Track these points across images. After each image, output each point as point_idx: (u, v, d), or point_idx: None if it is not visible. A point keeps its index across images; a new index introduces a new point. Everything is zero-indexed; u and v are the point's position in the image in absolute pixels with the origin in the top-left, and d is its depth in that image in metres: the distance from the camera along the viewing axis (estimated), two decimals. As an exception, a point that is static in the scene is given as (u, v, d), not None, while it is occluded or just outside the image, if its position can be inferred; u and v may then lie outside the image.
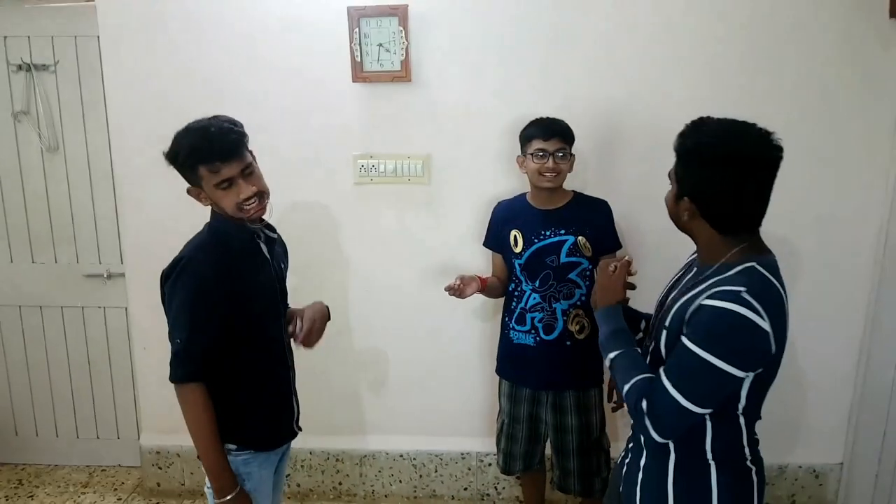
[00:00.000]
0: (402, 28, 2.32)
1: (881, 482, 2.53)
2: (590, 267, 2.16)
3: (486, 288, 2.23)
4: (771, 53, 2.32)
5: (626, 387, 1.36)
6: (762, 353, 1.29)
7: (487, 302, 2.57)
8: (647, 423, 1.31)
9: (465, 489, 2.80)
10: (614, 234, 2.22)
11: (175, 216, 2.45)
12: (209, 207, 1.71)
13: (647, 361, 1.47)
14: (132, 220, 2.65)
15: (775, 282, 1.33)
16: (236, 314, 1.66)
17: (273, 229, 1.84)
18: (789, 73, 2.33)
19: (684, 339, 1.30)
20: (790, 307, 1.37)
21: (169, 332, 1.64)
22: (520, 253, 2.18)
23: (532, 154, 2.11)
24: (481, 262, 2.49)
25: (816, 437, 2.65)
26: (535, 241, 2.16)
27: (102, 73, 2.56)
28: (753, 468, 1.43)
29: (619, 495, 1.56)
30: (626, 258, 1.62)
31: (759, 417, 1.45)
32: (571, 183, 2.22)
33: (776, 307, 1.30)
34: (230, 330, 1.65)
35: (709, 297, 1.28)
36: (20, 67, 2.67)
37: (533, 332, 2.19)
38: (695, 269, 1.46)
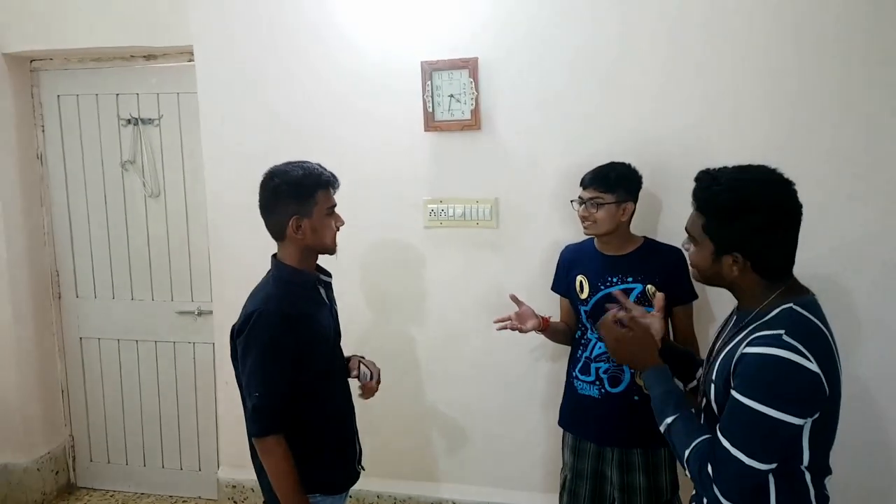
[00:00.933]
0: (472, 80, 2.42)
1: None
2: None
3: (547, 329, 2.20)
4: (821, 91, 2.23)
5: (687, 452, 1.31)
6: (814, 396, 1.24)
7: (559, 349, 2.55)
8: (716, 489, 1.26)
9: (532, 543, 2.73)
10: (687, 283, 2.10)
11: (260, 259, 2.61)
12: (271, 258, 1.80)
13: (702, 420, 1.43)
14: (222, 261, 2.84)
15: (816, 320, 1.30)
16: (306, 361, 1.71)
17: (328, 273, 1.90)
18: (839, 109, 2.23)
19: (734, 393, 1.26)
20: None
21: (245, 387, 1.69)
22: (585, 299, 2.14)
23: (574, 201, 2.15)
24: (549, 306, 2.49)
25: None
26: (602, 287, 2.11)
27: (200, 126, 2.79)
28: None
29: None
30: (618, 312, 1.57)
31: (830, 472, 1.36)
32: (642, 228, 2.20)
33: (821, 347, 1.26)
34: (302, 377, 1.70)
35: (749, 345, 1.26)
36: (129, 122, 2.96)
37: (598, 382, 2.13)
38: (734, 318, 1.43)
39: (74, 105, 3.01)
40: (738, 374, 1.26)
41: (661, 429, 1.39)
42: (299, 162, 1.78)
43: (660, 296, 1.71)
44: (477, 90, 2.43)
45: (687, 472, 1.32)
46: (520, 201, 2.54)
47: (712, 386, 1.35)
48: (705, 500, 1.40)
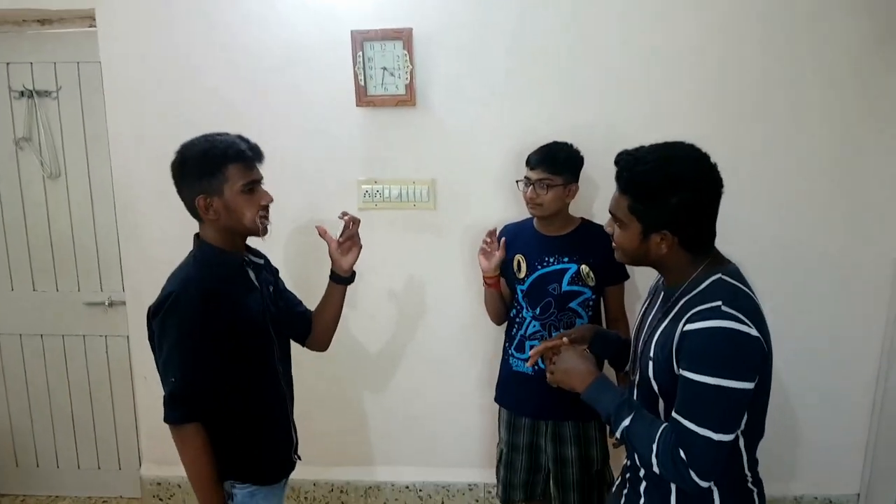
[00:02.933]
0: (406, 52, 2.29)
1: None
2: (592, 297, 2.11)
3: (495, 287, 2.20)
4: (788, 91, 2.29)
5: (654, 447, 1.29)
6: (759, 359, 1.27)
7: (493, 330, 2.51)
8: (692, 473, 1.24)
9: (473, 521, 2.73)
10: (621, 264, 2.12)
11: (177, 244, 2.41)
12: (193, 237, 1.67)
13: (636, 395, 1.43)
14: (133, 247, 2.62)
15: (744, 287, 1.32)
16: (229, 347, 1.60)
17: (259, 254, 1.78)
18: (805, 109, 2.30)
19: (685, 374, 1.25)
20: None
21: (161, 372, 1.58)
22: (522, 279, 2.14)
23: (520, 181, 2.11)
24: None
25: (832, 467, 2.58)
26: (538, 267, 2.12)
27: (105, 99, 2.53)
28: (755, 490, 1.40)
29: None
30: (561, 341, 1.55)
31: (763, 434, 1.40)
32: (579, 209, 2.17)
33: (754, 311, 1.29)
34: (224, 364, 1.60)
35: (689, 322, 1.26)
36: (22, 94, 2.65)
37: None
38: (662, 294, 1.43)
39: (-43, 75, 2.66)
40: (684, 353, 1.26)
41: (618, 434, 1.37)
42: (213, 134, 1.62)
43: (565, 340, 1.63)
44: (412, 63, 2.30)
45: (656, 468, 1.29)
46: (458, 182, 2.45)
47: (650, 363, 1.35)
48: (641, 471, 1.43)
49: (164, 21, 2.42)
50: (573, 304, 2.10)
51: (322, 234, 1.87)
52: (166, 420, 1.58)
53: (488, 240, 2.17)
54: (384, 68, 2.33)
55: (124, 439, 2.92)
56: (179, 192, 1.63)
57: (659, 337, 1.34)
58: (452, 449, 2.70)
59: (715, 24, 2.26)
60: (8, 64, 2.64)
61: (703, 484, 1.25)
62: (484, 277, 2.20)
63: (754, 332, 1.24)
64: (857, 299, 2.43)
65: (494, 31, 2.32)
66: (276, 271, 1.87)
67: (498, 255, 2.15)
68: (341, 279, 1.90)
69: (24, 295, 2.82)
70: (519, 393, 2.20)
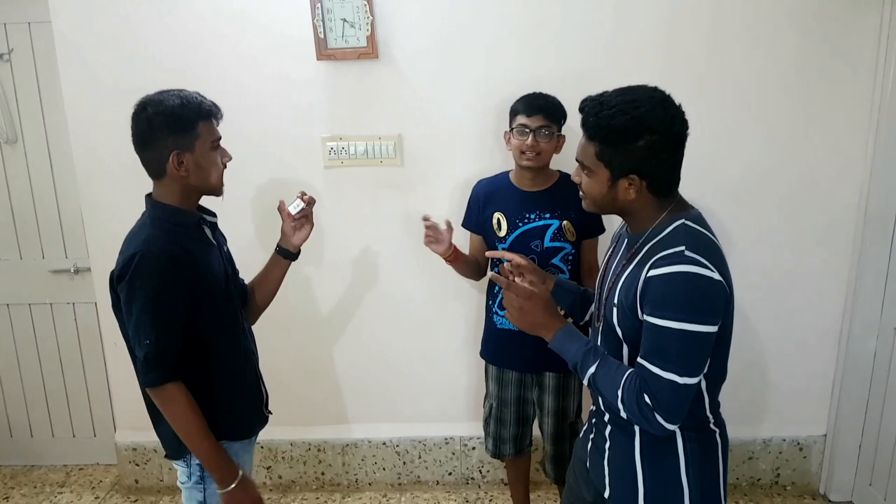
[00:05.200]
0: (366, 2, 2.23)
1: (864, 452, 2.52)
2: (572, 251, 2.09)
3: (457, 261, 2.16)
4: (743, 33, 2.28)
5: (619, 393, 1.30)
6: (722, 302, 1.28)
7: (466, 286, 2.52)
8: (658, 416, 1.26)
9: (450, 474, 2.77)
10: (598, 218, 2.10)
11: (139, 207, 2.38)
12: (145, 199, 1.64)
13: (600, 341, 1.44)
14: (96, 212, 2.56)
15: (706, 233, 1.33)
16: (198, 302, 1.58)
17: (212, 213, 1.76)
18: (762, 51, 2.29)
19: (649, 319, 1.26)
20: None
21: (133, 336, 1.54)
22: (504, 237, 2.10)
23: (515, 129, 2.03)
24: (460, 243, 2.44)
25: (800, 409, 2.64)
26: (520, 224, 2.08)
27: (58, 61, 2.45)
28: (717, 430, 1.42)
29: (586, 470, 1.52)
30: (508, 264, 1.56)
31: (725, 377, 1.42)
32: (558, 162, 2.15)
33: (716, 255, 1.29)
34: (195, 321, 1.58)
35: (653, 268, 1.26)
36: (-28, 57, 2.57)
37: None
38: (626, 241, 1.43)
39: None
40: (648, 299, 1.26)
41: (585, 381, 1.38)
42: (175, 90, 1.58)
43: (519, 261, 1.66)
44: (372, 14, 2.25)
45: (623, 413, 1.31)
46: (425, 137, 2.42)
47: (614, 309, 1.36)
48: (606, 416, 1.45)
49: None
50: (555, 260, 2.08)
51: (280, 207, 1.87)
52: (146, 384, 1.55)
53: (430, 233, 2.09)
54: (344, 20, 2.27)
55: (98, 406, 2.91)
56: (144, 147, 1.58)
57: (623, 283, 1.34)
58: (427, 405, 2.72)
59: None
60: (-45, 26, 2.55)
61: (670, 427, 1.27)
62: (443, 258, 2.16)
63: (717, 275, 1.25)
64: (821, 237, 2.45)
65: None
66: (225, 238, 1.84)
67: (447, 237, 2.09)
68: (288, 254, 1.90)
69: (-13, 264, 2.77)
70: (504, 349, 2.20)
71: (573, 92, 2.05)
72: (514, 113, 2.05)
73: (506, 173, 2.18)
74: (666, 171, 1.33)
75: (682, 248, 1.25)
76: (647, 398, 1.26)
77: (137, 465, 2.80)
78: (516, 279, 1.58)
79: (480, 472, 2.76)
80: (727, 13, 2.26)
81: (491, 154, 2.40)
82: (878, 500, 2.45)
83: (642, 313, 1.28)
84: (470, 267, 2.24)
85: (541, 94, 2.05)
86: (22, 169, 2.67)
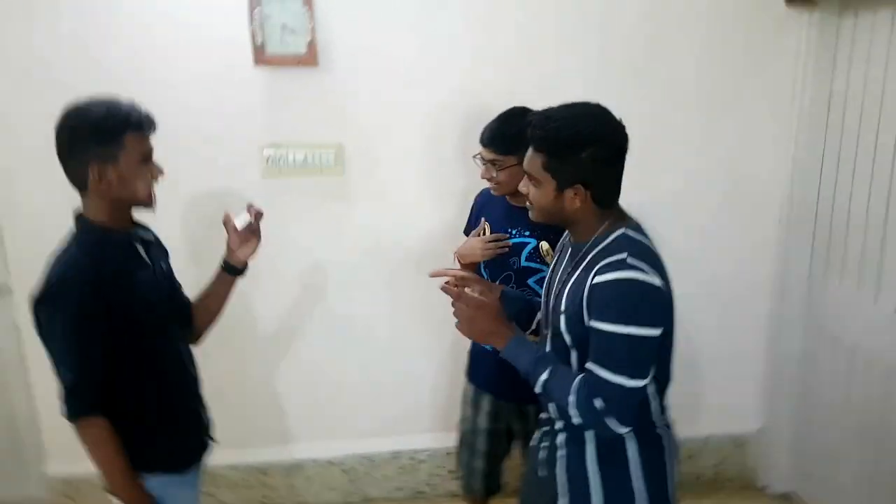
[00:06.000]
0: (307, 8, 2.17)
1: (798, 444, 2.64)
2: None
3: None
4: (673, 40, 2.36)
5: (571, 398, 1.33)
6: (663, 307, 1.36)
7: (410, 299, 2.48)
8: (609, 420, 1.30)
9: (399, 489, 2.72)
10: None
11: (62, 227, 2.21)
12: (74, 217, 1.54)
13: (549, 348, 1.47)
14: (18, 225, 2.37)
15: (646, 241, 1.40)
16: (124, 331, 1.50)
17: (147, 228, 1.66)
18: (692, 59, 2.38)
19: (596, 324, 1.31)
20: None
21: (54, 366, 1.45)
22: None
23: (476, 157, 1.96)
24: (401, 257, 2.41)
25: (735, 406, 2.74)
26: None
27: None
28: (662, 435, 1.47)
29: (539, 479, 1.54)
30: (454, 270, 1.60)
31: (671, 379, 1.48)
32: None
33: (656, 263, 1.36)
34: (120, 349, 1.49)
35: (597, 275, 1.31)
36: None
37: None
38: (570, 250, 1.48)
39: None
40: (594, 305, 1.31)
41: (537, 389, 1.40)
42: (105, 98, 1.48)
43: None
44: (313, 20, 2.19)
45: (576, 419, 1.33)
46: (367, 147, 2.37)
47: (561, 317, 1.39)
48: (557, 423, 1.48)
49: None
50: (530, 281, 1.98)
51: (225, 221, 1.77)
52: (66, 416, 1.47)
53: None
54: (283, 25, 2.20)
55: (26, 437, 2.66)
56: (66, 158, 1.48)
57: (569, 290, 1.38)
58: (371, 420, 2.66)
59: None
60: None
61: (622, 429, 1.31)
62: (462, 262, 2.05)
63: (658, 281, 1.31)
64: (752, 241, 2.56)
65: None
66: (167, 253, 1.74)
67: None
68: (234, 270, 1.80)
69: None
70: (482, 370, 2.10)
71: (516, 102, 2.09)
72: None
73: None
74: (608, 182, 1.40)
75: (625, 255, 1.31)
76: (597, 402, 1.29)
77: (71, 497, 2.60)
78: (466, 290, 1.58)
79: (429, 485, 2.72)
80: (664, 23, 2.33)
81: (431, 166, 2.39)
82: (817, 490, 2.56)
83: (589, 319, 1.33)
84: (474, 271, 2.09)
85: (503, 117, 1.93)
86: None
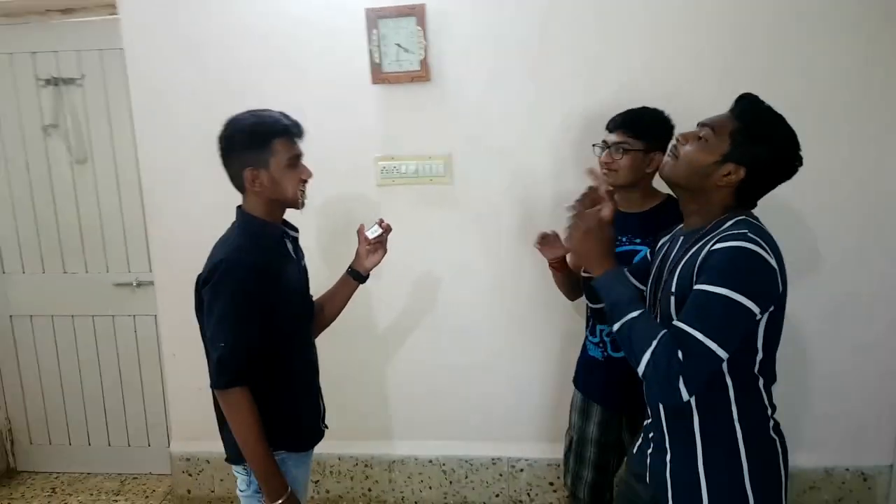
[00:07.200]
0: (420, 28, 2.30)
1: (934, 484, 2.41)
2: None
3: (560, 270, 2.06)
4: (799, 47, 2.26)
5: (654, 343, 1.27)
6: (774, 289, 1.31)
7: (509, 299, 2.52)
8: (681, 379, 1.24)
9: (497, 496, 2.75)
10: None
11: (201, 224, 2.46)
12: (235, 210, 1.71)
13: None
14: (159, 228, 2.68)
15: (766, 228, 1.38)
16: (274, 314, 1.64)
17: (294, 228, 1.82)
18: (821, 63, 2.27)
19: (700, 286, 1.28)
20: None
21: (210, 338, 1.61)
22: None
23: (596, 145, 1.95)
24: (509, 263, 2.47)
25: (865, 437, 2.53)
26: None
27: (129, 85, 2.59)
28: (776, 438, 1.41)
29: (640, 487, 1.51)
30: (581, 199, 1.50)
31: (775, 379, 1.42)
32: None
33: (776, 249, 1.34)
34: (268, 331, 1.64)
35: (718, 243, 1.30)
36: (48, 82, 2.73)
37: (601, 345, 2.03)
38: (681, 238, 1.47)
39: (-15, 64, 2.75)
40: (705, 269, 1.29)
41: (618, 325, 1.34)
42: (258, 110, 1.68)
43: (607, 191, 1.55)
44: (426, 39, 2.31)
45: (643, 367, 1.28)
46: (474, 156, 2.46)
47: (672, 298, 1.37)
48: (664, 425, 1.43)
49: (181, 6, 2.47)
50: None
51: (359, 231, 1.95)
52: (215, 385, 1.61)
53: (538, 246, 2.05)
54: (398, 45, 2.34)
55: (153, 417, 3.00)
56: (226, 164, 1.68)
57: (681, 270, 1.36)
58: (475, 424, 2.71)
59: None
60: (34, 53, 2.72)
61: (685, 395, 1.25)
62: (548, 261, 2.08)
63: (773, 262, 1.29)
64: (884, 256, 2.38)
65: (508, 3, 2.32)
66: (303, 253, 1.90)
67: (557, 249, 2.02)
68: (359, 276, 1.96)
69: (55, 277, 2.91)
70: (591, 379, 2.09)
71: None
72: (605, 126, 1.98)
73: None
74: (763, 185, 1.40)
75: (746, 230, 1.30)
76: (680, 355, 1.24)
77: (191, 475, 2.87)
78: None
79: (529, 494, 2.73)
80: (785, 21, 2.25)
81: (535, 174, 2.43)
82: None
83: (695, 284, 1.30)
84: (570, 281, 2.11)
85: (636, 109, 1.94)
86: (90, 187, 2.81)
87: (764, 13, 2.24)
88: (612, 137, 1.91)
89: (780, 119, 1.38)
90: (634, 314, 1.32)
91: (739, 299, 1.25)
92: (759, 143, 1.36)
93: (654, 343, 1.27)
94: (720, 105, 1.44)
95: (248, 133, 1.63)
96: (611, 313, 1.37)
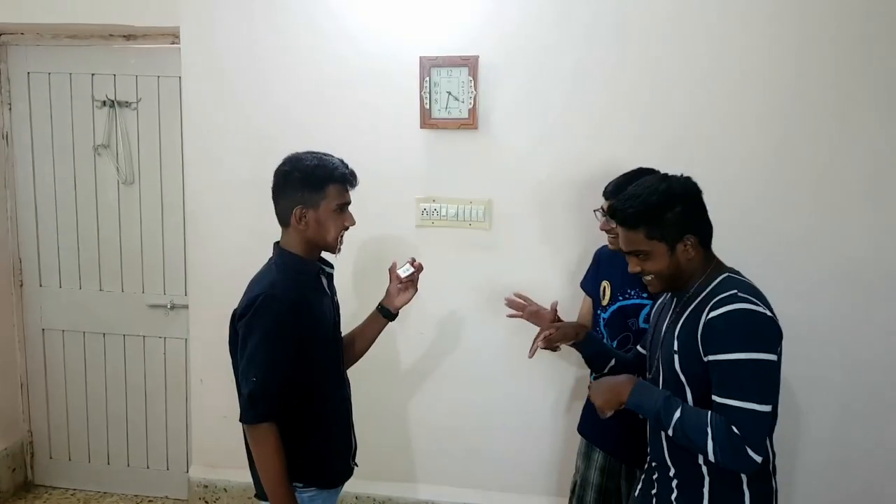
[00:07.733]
0: (471, 78, 2.36)
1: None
2: None
3: (583, 340, 1.97)
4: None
5: (709, 431, 1.36)
6: (777, 335, 1.42)
7: (547, 357, 2.51)
8: (748, 449, 1.33)
9: (512, 546, 2.71)
10: None
11: (239, 253, 2.51)
12: (273, 245, 1.75)
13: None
14: (199, 253, 2.72)
15: (749, 281, 1.50)
16: (310, 349, 1.67)
17: (331, 265, 1.86)
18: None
19: (717, 357, 1.37)
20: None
21: (242, 371, 1.62)
22: (605, 306, 2.06)
23: (597, 210, 2.02)
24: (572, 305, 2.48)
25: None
26: (621, 298, 2.02)
27: (182, 112, 2.67)
28: (772, 475, 1.52)
29: None
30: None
31: (776, 421, 1.48)
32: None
33: (764, 299, 1.44)
34: (301, 367, 1.65)
35: (711, 310, 1.40)
36: (104, 103, 2.81)
37: None
38: (673, 301, 1.58)
39: (45, 83, 2.84)
40: (712, 339, 1.39)
41: (671, 430, 1.42)
42: (320, 153, 1.74)
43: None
44: (476, 89, 2.38)
45: (712, 454, 1.36)
46: (514, 203, 2.50)
47: (675, 357, 1.47)
48: (669, 460, 1.52)
49: (243, 40, 2.56)
50: None
51: (391, 269, 1.98)
52: (243, 419, 1.62)
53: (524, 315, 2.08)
54: (449, 93, 2.41)
55: (174, 441, 3.00)
56: (278, 197, 1.73)
57: (680, 331, 1.47)
58: (497, 473, 2.69)
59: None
60: (93, 75, 2.81)
61: (757, 459, 1.33)
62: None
63: (768, 313, 1.40)
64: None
65: (557, 60, 2.39)
66: (335, 289, 1.93)
67: (546, 316, 2.04)
68: (388, 314, 1.98)
69: (91, 294, 2.95)
70: (596, 426, 2.08)
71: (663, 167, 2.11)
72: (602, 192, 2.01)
73: None
74: (705, 222, 1.52)
75: (735, 291, 1.41)
76: (735, 430, 1.33)
77: (207, 502, 2.86)
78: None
79: (544, 547, 2.70)
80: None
81: (569, 226, 2.47)
82: None
83: (706, 355, 1.40)
84: (602, 354, 2.06)
85: (633, 173, 1.91)
86: (135, 208, 2.87)
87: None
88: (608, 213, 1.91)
89: (647, 190, 1.48)
90: (677, 414, 1.42)
91: (758, 357, 1.35)
92: (669, 215, 1.47)
93: (710, 430, 1.36)
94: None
95: (308, 173, 1.68)
96: (657, 424, 1.48)
